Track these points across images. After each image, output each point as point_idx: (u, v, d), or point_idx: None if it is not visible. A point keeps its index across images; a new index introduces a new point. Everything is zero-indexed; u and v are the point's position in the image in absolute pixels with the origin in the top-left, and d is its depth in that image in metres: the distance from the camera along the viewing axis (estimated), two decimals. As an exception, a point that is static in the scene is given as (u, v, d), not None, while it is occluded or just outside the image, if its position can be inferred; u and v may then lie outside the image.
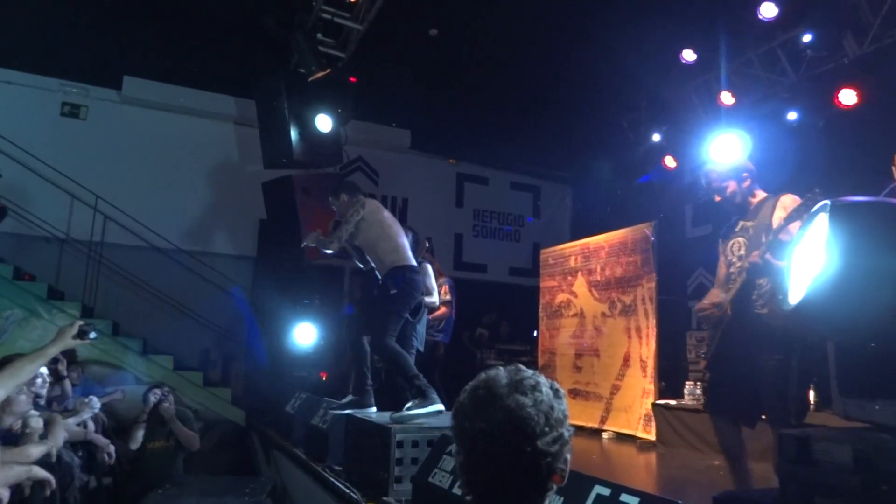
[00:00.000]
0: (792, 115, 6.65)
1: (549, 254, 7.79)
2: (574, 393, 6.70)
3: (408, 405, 3.70)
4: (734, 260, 3.10)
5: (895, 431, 1.41)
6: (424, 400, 3.71)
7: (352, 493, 3.44)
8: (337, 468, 4.01)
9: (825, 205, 1.57)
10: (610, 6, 6.35)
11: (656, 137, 8.03)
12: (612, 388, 6.26)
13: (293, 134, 7.01)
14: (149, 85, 8.33)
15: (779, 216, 2.89)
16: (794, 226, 2.65)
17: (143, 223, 7.93)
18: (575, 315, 7.03)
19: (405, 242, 4.34)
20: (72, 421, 4.18)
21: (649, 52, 6.90)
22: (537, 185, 10.96)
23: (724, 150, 6.66)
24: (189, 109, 8.64)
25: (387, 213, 4.39)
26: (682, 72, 7.35)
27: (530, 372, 1.16)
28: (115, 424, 5.58)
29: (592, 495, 1.98)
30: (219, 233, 8.67)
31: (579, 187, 10.82)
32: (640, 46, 6.80)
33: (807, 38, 6.18)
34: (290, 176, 7.21)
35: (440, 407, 3.72)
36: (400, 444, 3.26)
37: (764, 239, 2.87)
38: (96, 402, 4.56)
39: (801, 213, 2.54)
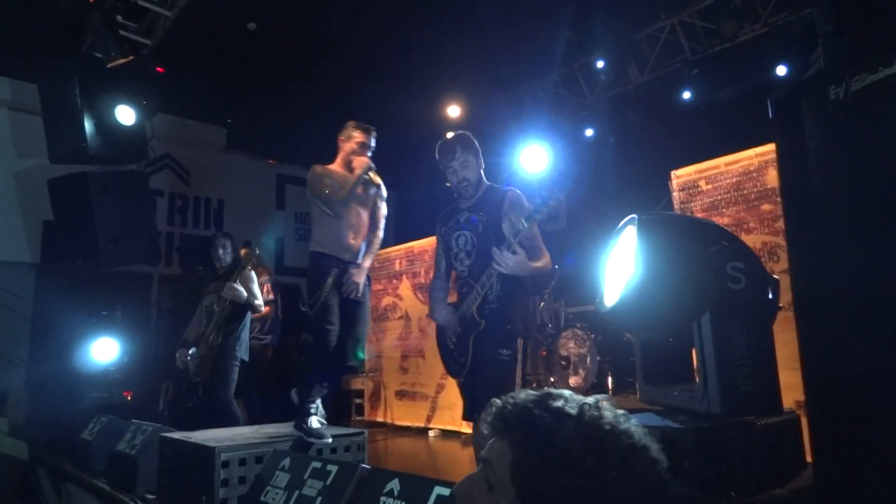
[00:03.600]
0: (589, 132, 7.47)
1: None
2: (401, 394, 6.83)
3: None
4: (462, 256, 2.99)
5: (689, 412, 1.66)
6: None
7: (170, 523, 3.16)
8: (149, 497, 3.65)
9: (633, 218, 1.79)
10: (426, 16, 6.59)
11: (473, 146, 8.49)
12: (437, 388, 6.49)
13: (88, 126, 6.19)
14: None
15: (507, 215, 2.86)
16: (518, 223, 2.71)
17: None
18: (401, 318, 7.17)
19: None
20: None
21: (468, 64, 7.28)
22: (361, 189, 10.94)
23: (531, 159, 7.31)
24: (-51, 90, 7.25)
25: None
26: (496, 85, 7.87)
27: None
28: None
29: (433, 497, 2.04)
30: (-11, 236, 7.39)
31: (403, 191, 11.03)
32: (459, 58, 7.15)
33: (600, 64, 6.98)
34: (84, 173, 6.37)
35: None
36: (225, 464, 3.06)
37: (494, 240, 2.81)
38: None
39: (531, 219, 2.58)
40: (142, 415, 5.11)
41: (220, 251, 5.03)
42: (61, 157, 6.36)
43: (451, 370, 3.06)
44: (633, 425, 0.91)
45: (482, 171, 3.10)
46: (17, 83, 7.40)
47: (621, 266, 1.85)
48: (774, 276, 1.70)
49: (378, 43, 7.17)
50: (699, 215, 4.77)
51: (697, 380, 1.61)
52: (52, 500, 5.52)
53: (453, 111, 8.32)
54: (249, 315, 4.92)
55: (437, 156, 3.17)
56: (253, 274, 4.91)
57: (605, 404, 0.93)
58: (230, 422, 4.38)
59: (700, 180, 4.99)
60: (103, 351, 6.21)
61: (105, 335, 6.27)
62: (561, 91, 7.74)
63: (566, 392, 0.94)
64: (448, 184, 3.14)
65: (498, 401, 0.96)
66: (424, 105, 8.38)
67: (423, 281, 6.93)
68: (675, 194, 5.11)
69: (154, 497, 3.63)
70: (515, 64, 7.34)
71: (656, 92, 6.91)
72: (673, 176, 5.21)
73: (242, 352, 4.75)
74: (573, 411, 0.90)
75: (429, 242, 6.97)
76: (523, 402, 0.93)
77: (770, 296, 1.66)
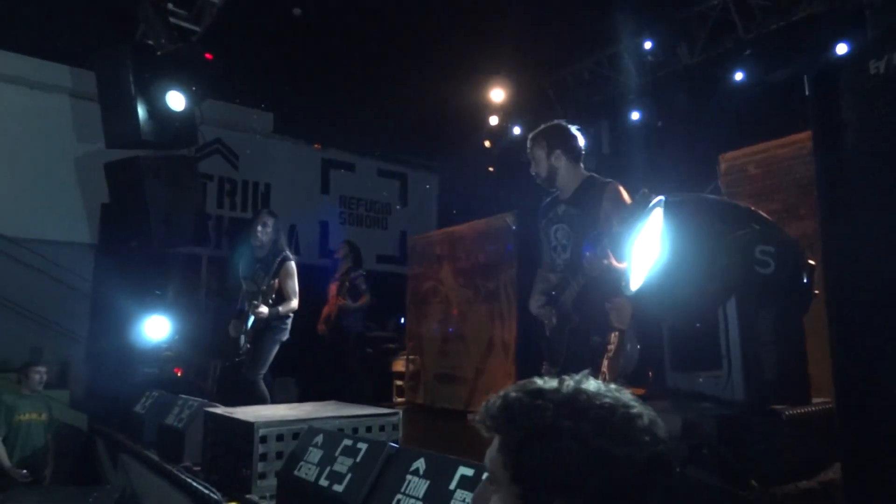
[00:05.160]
0: (635, 115, 7.27)
1: (416, 241, 7.91)
2: (441, 378, 6.89)
3: None
4: (559, 249, 3.01)
5: (714, 400, 1.62)
6: None
7: (211, 493, 3.29)
8: (195, 468, 3.81)
9: (660, 200, 1.74)
10: (475, 3, 6.53)
11: (517, 130, 8.40)
12: (476, 372, 6.51)
13: (141, 111, 6.41)
14: (-38, 47, 7.22)
15: (606, 209, 2.85)
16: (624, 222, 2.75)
17: (-48, 205, 6.90)
18: (441, 301, 7.21)
19: None
20: None
21: (510, 47, 7.18)
22: (404, 173, 11.02)
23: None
24: (15, 78, 7.61)
25: None
26: (539, 69, 7.75)
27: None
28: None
29: (457, 477, 2.06)
30: (51, 217, 7.73)
31: (445, 176, 11.05)
32: (502, 42, 7.06)
33: (647, 45, 6.77)
34: (137, 157, 6.62)
35: None
36: (263, 439, 3.16)
37: (592, 234, 2.81)
38: None
39: (633, 212, 2.47)
40: (191, 391, 5.33)
41: (259, 228, 4.76)
42: (117, 141, 6.63)
43: (548, 358, 3.10)
44: (615, 390, 0.92)
45: (572, 162, 3.02)
46: (77, 71, 7.72)
47: (648, 249, 1.80)
48: (810, 262, 1.63)
49: (421, 27, 7.15)
50: (747, 200, 4.59)
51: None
52: (108, 469, 5.83)
53: (496, 95, 8.24)
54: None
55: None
56: (292, 266, 4.76)
57: (589, 378, 0.94)
58: (256, 400, 4.49)
59: (749, 164, 4.80)
60: (156, 329, 6.48)
61: (157, 314, 6.54)
62: (607, 72, 7.55)
63: (548, 379, 0.95)
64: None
65: (484, 404, 0.97)
66: (467, 89, 8.33)
67: (463, 265, 6.94)
68: (722, 178, 4.94)
69: (199, 469, 3.78)
70: (558, 45, 7.20)
71: (707, 73, 6.66)
72: (721, 160, 5.03)
73: (284, 334, 4.78)
74: (549, 386, 0.92)
75: (470, 227, 6.97)
76: (505, 393, 0.95)
77: (805, 281, 1.59)
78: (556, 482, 0.85)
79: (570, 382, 0.93)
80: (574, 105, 7.58)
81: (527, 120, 8.38)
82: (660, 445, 0.87)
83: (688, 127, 6.70)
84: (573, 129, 3.10)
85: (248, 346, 4.71)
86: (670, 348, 1.90)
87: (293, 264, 4.78)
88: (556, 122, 3.13)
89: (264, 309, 4.54)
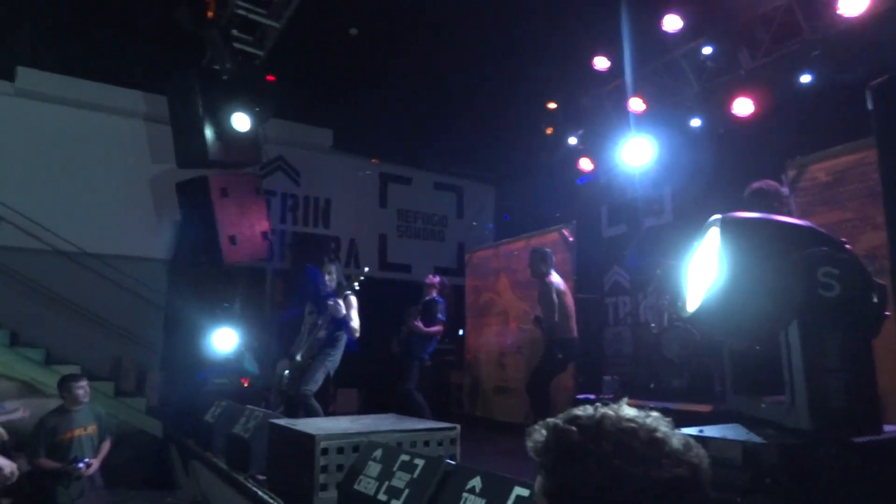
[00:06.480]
0: (695, 122, 7.05)
1: (473, 254, 7.93)
2: (499, 390, 6.86)
3: None
4: None
5: (778, 427, 1.56)
6: None
7: (275, 503, 3.40)
8: (260, 478, 3.94)
9: (717, 219, 1.71)
10: (528, 15, 6.53)
11: (573, 141, 8.31)
12: (534, 384, 6.45)
13: (208, 133, 6.76)
14: (47, 77, 7.78)
15: None
16: None
17: (43, 225, 7.43)
18: (499, 314, 7.20)
19: None
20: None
21: (565, 58, 7.14)
22: (460, 186, 11.08)
23: (635, 152, 7.04)
24: (93, 105, 8.15)
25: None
26: (596, 79, 7.66)
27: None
28: (16, 440, 5.24)
29: (512, 496, 2.06)
30: (129, 235, 8.22)
31: (502, 188, 11.04)
32: (557, 53, 7.04)
33: (707, 50, 6.58)
34: (206, 176, 6.95)
35: None
36: (325, 451, 3.24)
37: None
38: (-7, 419, 4.26)
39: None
40: (257, 401, 5.53)
41: (327, 277, 5.20)
42: (186, 162, 6.99)
43: None
44: (644, 416, 0.97)
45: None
46: (150, 96, 8.20)
47: (704, 269, 1.76)
48: (880, 282, 1.55)
49: (475, 42, 7.21)
50: (818, 209, 4.40)
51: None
52: (181, 475, 6.11)
53: (553, 105, 8.20)
54: (345, 338, 5.11)
55: None
56: (354, 300, 5.09)
57: (625, 404, 1.00)
58: (308, 413, 4.69)
59: (819, 171, 4.60)
60: (224, 340, 6.75)
61: (225, 326, 6.81)
62: (665, 81, 7.37)
63: (587, 406, 1.02)
64: None
65: (530, 433, 1.06)
66: (523, 102, 8.32)
67: (520, 278, 6.91)
68: (790, 186, 4.75)
69: (264, 478, 3.90)
70: (614, 54, 7.11)
71: (771, 76, 6.41)
72: (788, 166, 4.84)
73: (331, 366, 5.01)
74: (585, 413, 0.99)
75: (527, 239, 6.94)
76: (546, 421, 1.02)
77: (875, 302, 1.52)
78: (579, 499, 0.92)
79: (602, 409, 0.99)
80: (632, 114, 7.43)
81: (581, 131, 8.29)
82: (682, 467, 0.91)
83: (752, 134, 6.46)
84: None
85: (289, 383, 5.04)
86: (731, 370, 1.85)
87: (354, 298, 5.10)
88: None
89: (340, 302, 4.89)
